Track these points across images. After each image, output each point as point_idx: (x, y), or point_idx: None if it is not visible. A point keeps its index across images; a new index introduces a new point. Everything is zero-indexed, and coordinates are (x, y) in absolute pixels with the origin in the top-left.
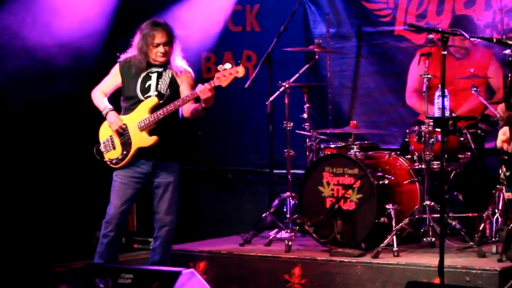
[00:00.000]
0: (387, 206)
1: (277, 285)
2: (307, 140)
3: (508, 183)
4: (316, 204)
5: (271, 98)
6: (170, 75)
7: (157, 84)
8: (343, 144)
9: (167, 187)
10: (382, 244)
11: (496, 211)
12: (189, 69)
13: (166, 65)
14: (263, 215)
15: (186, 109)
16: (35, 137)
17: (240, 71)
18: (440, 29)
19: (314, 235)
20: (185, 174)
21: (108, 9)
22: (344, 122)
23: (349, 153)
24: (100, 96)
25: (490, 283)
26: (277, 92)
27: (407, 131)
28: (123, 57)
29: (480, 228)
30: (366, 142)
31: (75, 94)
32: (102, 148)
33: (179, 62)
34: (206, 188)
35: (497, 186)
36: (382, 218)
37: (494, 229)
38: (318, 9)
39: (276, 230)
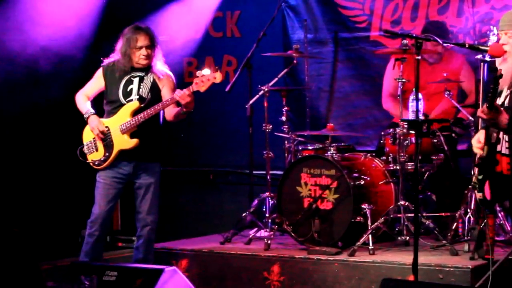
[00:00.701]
0: (363, 206)
1: (256, 282)
2: (286, 142)
3: (479, 186)
4: (294, 204)
5: (250, 102)
6: (151, 79)
7: (139, 88)
8: (321, 146)
9: (148, 188)
10: (358, 243)
11: (468, 210)
12: (170, 74)
13: (148, 69)
14: (243, 214)
15: (169, 113)
16: (22, 139)
17: (218, 77)
18: (414, 35)
19: (293, 234)
20: (168, 174)
21: (92, 15)
22: (321, 125)
23: (326, 154)
24: (83, 100)
25: (462, 280)
26: (257, 96)
27: (382, 133)
28: (106, 61)
29: (453, 227)
30: (342, 144)
31: (61, 98)
32: (85, 149)
33: (160, 66)
34: (188, 188)
35: (469, 186)
36: (358, 218)
37: (466, 228)
38: (296, 16)
39: (255, 229)
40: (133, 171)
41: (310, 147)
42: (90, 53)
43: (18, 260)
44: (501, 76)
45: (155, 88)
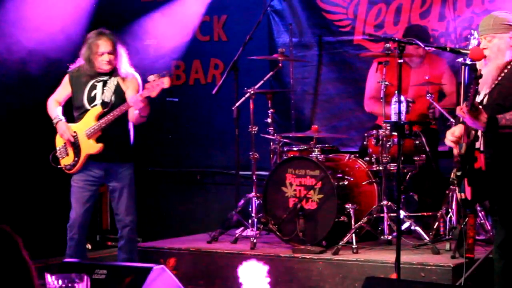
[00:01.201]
0: (346, 206)
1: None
2: (271, 143)
3: (458, 183)
4: (279, 204)
5: (237, 104)
6: (115, 83)
7: (102, 92)
8: (305, 147)
9: (122, 189)
10: (342, 242)
11: (450, 210)
12: (135, 75)
13: (112, 73)
14: (230, 214)
15: (131, 116)
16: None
17: (165, 82)
18: (396, 39)
19: (278, 233)
20: (156, 175)
21: (81, 19)
22: (306, 127)
23: (310, 155)
24: (53, 106)
25: (443, 278)
26: (243, 98)
27: (366, 134)
28: (72, 67)
29: (435, 227)
30: (326, 145)
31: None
32: (58, 154)
33: (125, 68)
34: (175, 188)
35: (450, 186)
36: (342, 217)
37: (447, 227)
38: (281, 20)
39: (241, 228)
40: (105, 174)
41: (295, 148)
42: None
43: (8, 258)
44: (480, 76)
45: (118, 91)
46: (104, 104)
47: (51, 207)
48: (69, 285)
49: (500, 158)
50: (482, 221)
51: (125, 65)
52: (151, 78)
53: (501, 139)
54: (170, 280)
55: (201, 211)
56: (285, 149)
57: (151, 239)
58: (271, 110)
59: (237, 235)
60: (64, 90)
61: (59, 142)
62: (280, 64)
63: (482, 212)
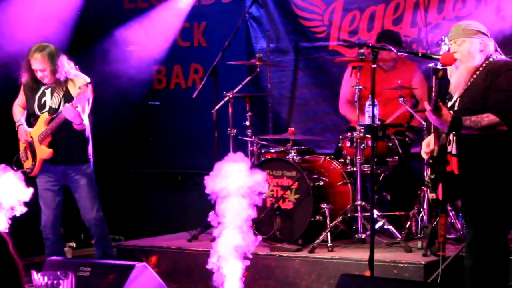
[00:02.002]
0: (322, 206)
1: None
2: (249, 145)
3: (432, 185)
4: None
5: (216, 107)
6: (64, 89)
7: (51, 99)
8: (282, 149)
9: (82, 189)
10: (318, 240)
11: (421, 210)
12: (81, 79)
13: (58, 80)
14: (209, 213)
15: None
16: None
17: (89, 91)
18: (370, 44)
19: (256, 232)
20: (138, 176)
21: (64, 25)
22: (283, 129)
23: (287, 157)
24: (17, 110)
25: (415, 275)
26: (222, 102)
27: (340, 137)
28: (24, 76)
29: (407, 226)
30: (303, 147)
31: None
32: (21, 157)
33: (70, 75)
34: (157, 189)
35: (422, 187)
36: (317, 217)
37: (419, 226)
38: (259, 26)
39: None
40: (63, 175)
41: (272, 150)
42: None
43: None
44: (443, 77)
45: (67, 97)
46: (51, 110)
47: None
48: (55, 282)
49: (471, 161)
50: (452, 220)
51: (69, 72)
52: (79, 87)
53: (472, 143)
54: (151, 277)
55: (181, 210)
56: (263, 151)
57: (133, 237)
58: (249, 113)
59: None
60: (22, 97)
61: (22, 146)
62: (258, 69)
63: (453, 212)
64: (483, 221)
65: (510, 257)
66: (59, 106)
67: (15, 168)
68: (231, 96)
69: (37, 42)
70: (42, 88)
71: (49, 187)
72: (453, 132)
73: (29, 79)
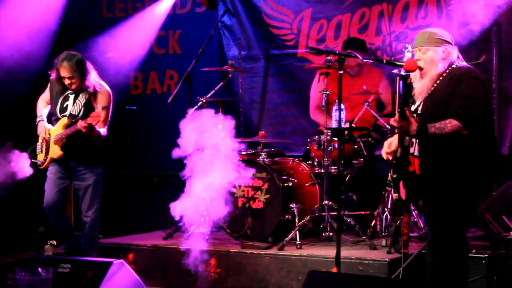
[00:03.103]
0: (291, 205)
1: (195, 273)
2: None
3: (394, 184)
4: (229, 204)
5: (190, 112)
6: (86, 97)
7: (73, 105)
8: (253, 151)
9: (86, 189)
10: (287, 238)
11: (385, 209)
12: (105, 90)
13: (82, 88)
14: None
15: None
16: None
17: (102, 115)
18: (337, 52)
19: (228, 230)
20: (116, 177)
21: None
22: (253, 132)
23: (258, 159)
24: (41, 105)
25: (380, 272)
26: (196, 106)
27: (308, 140)
28: (53, 76)
29: (372, 224)
30: (273, 149)
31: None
32: (37, 148)
33: (94, 85)
34: (134, 189)
35: (386, 187)
36: (286, 216)
37: (383, 225)
38: (231, 34)
39: (194, 226)
40: (71, 173)
41: (243, 153)
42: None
43: None
44: (410, 84)
45: (88, 105)
46: (71, 116)
47: (20, 205)
48: (36, 278)
49: (432, 162)
50: (415, 219)
51: (94, 82)
52: (98, 108)
53: (433, 146)
54: (129, 273)
55: (157, 210)
56: (235, 153)
57: (111, 235)
58: (222, 117)
59: (190, 232)
60: (47, 94)
61: (40, 138)
62: (230, 75)
63: (416, 211)
64: (442, 220)
65: (470, 255)
66: (79, 113)
67: (30, 158)
68: (204, 101)
69: (66, 51)
70: (67, 92)
71: (58, 175)
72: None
73: (57, 81)
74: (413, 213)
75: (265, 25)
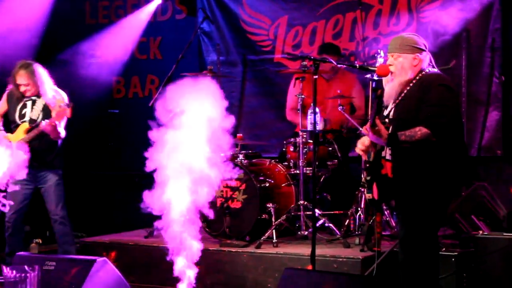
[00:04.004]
0: (268, 205)
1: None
2: None
3: (368, 186)
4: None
5: (171, 114)
6: (43, 103)
7: (31, 111)
8: (231, 153)
9: (49, 190)
10: (264, 237)
11: (359, 209)
12: (60, 97)
13: (40, 94)
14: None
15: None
16: None
17: (68, 112)
18: (312, 57)
19: (207, 229)
20: (98, 178)
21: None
22: (232, 135)
23: (236, 160)
24: None
25: (354, 269)
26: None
27: (285, 142)
28: (10, 87)
29: (346, 224)
30: (250, 151)
31: None
32: None
33: (49, 92)
34: (116, 189)
35: (360, 188)
36: (263, 215)
37: (357, 224)
38: (210, 41)
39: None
40: (34, 178)
41: (222, 154)
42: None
43: None
44: (381, 96)
45: (46, 110)
46: (31, 121)
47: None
48: (23, 275)
49: (403, 166)
50: (387, 219)
51: (49, 89)
52: (60, 106)
53: (403, 151)
54: (111, 270)
55: (139, 209)
56: None
57: (94, 234)
58: None
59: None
60: (3, 105)
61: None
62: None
63: (388, 211)
64: (414, 219)
65: (440, 253)
66: (38, 117)
67: None
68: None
69: (22, 59)
70: (24, 100)
71: (20, 187)
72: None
73: (14, 91)
74: (385, 212)
75: (243, 32)
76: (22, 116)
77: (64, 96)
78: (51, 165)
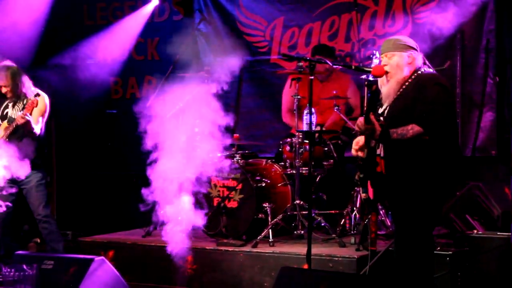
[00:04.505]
0: (264, 205)
1: (173, 269)
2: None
3: (361, 184)
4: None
5: (168, 115)
6: (24, 103)
7: (12, 110)
8: (228, 153)
9: (31, 191)
10: (260, 236)
11: (354, 208)
12: (39, 97)
13: (20, 95)
14: (162, 212)
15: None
16: None
17: (35, 101)
18: (308, 58)
19: (204, 229)
20: (97, 178)
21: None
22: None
23: (232, 160)
24: None
25: (349, 268)
26: (174, 110)
27: (281, 142)
28: None
29: (341, 223)
30: (247, 151)
31: None
32: None
33: (29, 93)
34: (114, 189)
35: (355, 188)
36: (260, 215)
37: (352, 223)
38: (207, 42)
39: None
40: (15, 179)
41: (219, 154)
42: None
43: None
44: (375, 92)
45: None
46: (10, 120)
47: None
48: (22, 273)
49: (396, 163)
50: (383, 218)
51: (29, 91)
52: (29, 98)
53: (397, 149)
54: (109, 269)
55: (136, 209)
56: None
57: (92, 233)
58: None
59: (168, 231)
60: None
61: None
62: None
63: (383, 210)
64: (409, 219)
65: (435, 252)
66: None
67: None
68: (181, 104)
69: (3, 63)
70: (6, 101)
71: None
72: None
73: None
74: (381, 212)
75: (240, 33)
76: (4, 117)
77: (44, 96)
78: (34, 164)
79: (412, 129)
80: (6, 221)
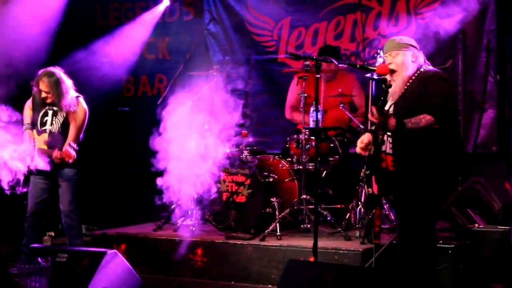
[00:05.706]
0: (271, 199)
1: (183, 262)
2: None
3: (366, 180)
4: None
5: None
6: (64, 115)
7: (52, 121)
8: (237, 149)
9: (62, 186)
10: (268, 230)
11: (359, 203)
12: (82, 108)
13: (61, 105)
14: (172, 206)
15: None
16: None
17: (66, 154)
18: (314, 57)
19: (213, 223)
20: (109, 173)
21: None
22: (237, 132)
23: (241, 156)
24: (27, 113)
25: (354, 261)
26: (184, 107)
27: (288, 138)
28: (35, 89)
29: (346, 217)
30: (255, 147)
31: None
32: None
33: (70, 104)
34: (126, 184)
35: (360, 183)
36: (267, 209)
37: (357, 217)
38: (216, 41)
39: (182, 218)
40: (53, 174)
41: (228, 150)
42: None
43: None
44: (390, 85)
45: (65, 123)
46: (50, 134)
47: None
48: (36, 266)
49: (404, 159)
50: (387, 212)
51: (70, 101)
52: (46, 148)
53: (406, 143)
54: (121, 262)
55: (148, 203)
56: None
57: (105, 227)
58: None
59: (178, 224)
60: (29, 112)
61: (25, 145)
62: (215, 79)
63: (387, 205)
64: (412, 213)
65: (437, 245)
66: (56, 130)
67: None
68: (191, 103)
69: (47, 68)
70: (46, 107)
71: (38, 184)
72: (388, 133)
73: (37, 95)
74: (385, 206)
75: (248, 33)
76: (43, 123)
77: (84, 106)
78: (67, 164)
79: (424, 118)
80: (39, 213)
